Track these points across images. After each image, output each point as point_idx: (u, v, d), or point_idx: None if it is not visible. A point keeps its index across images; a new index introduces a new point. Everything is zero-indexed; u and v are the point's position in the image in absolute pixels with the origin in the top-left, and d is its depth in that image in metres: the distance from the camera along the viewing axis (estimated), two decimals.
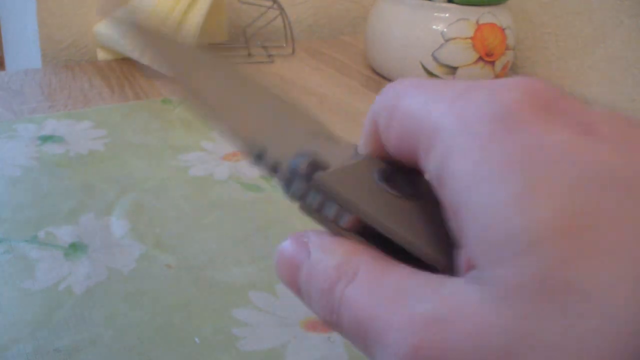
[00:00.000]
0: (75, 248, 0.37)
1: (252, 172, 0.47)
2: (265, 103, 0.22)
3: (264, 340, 0.31)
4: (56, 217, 0.39)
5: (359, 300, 0.16)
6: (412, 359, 0.14)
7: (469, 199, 0.14)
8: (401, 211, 0.17)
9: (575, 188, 0.12)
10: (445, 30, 0.64)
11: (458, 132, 0.15)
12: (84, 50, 0.69)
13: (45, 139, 0.49)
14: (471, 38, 0.63)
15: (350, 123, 0.58)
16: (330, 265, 0.17)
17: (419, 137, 0.16)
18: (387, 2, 0.68)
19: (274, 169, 0.19)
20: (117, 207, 0.41)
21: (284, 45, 0.77)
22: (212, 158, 0.49)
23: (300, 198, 0.18)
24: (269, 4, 0.73)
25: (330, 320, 0.16)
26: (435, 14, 0.64)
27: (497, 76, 0.67)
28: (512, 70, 0.74)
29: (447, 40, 0.64)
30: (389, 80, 0.69)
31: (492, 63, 0.65)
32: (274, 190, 0.44)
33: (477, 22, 0.64)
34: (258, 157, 0.19)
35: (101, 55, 0.68)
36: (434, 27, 0.64)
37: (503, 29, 0.65)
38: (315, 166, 0.18)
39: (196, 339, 0.31)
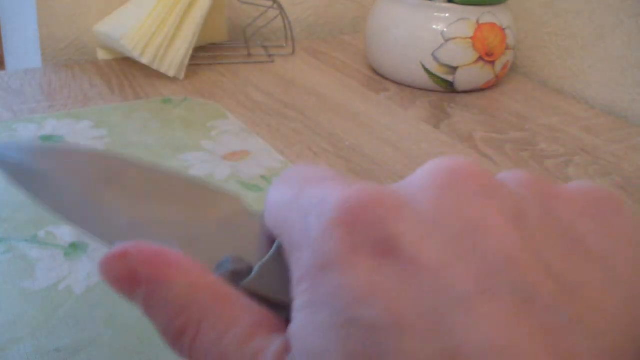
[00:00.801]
0: (75, 248, 0.37)
1: (252, 172, 0.47)
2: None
3: None
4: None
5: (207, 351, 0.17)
6: None
7: (295, 318, 0.16)
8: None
9: (363, 336, 0.14)
10: (445, 30, 0.64)
11: (300, 256, 0.17)
12: (84, 50, 0.69)
13: (46, 138, 0.49)
14: (471, 38, 0.63)
15: (350, 123, 0.58)
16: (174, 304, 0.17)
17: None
18: (387, 2, 0.68)
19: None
20: None
21: (284, 45, 0.77)
22: (212, 158, 0.49)
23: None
24: (269, 4, 0.73)
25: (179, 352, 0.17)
26: (435, 14, 0.64)
27: (497, 76, 0.67)
28: (512, 69, 0.75)
29: (447, 40, 0.64)
30: (389, 80, 0.69)
31: (492, 63, 0.65)
32: None
33: (477, 22, 0.64)
34: None
35: (101, 55, 0.68)
36: (434, 27, 0.64)
37: (503, 29, 0.65)
38: (237, 275, 0.18)
39: None
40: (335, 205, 0.16)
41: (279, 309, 0.18)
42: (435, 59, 0.64)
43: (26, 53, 0.75)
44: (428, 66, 0.65)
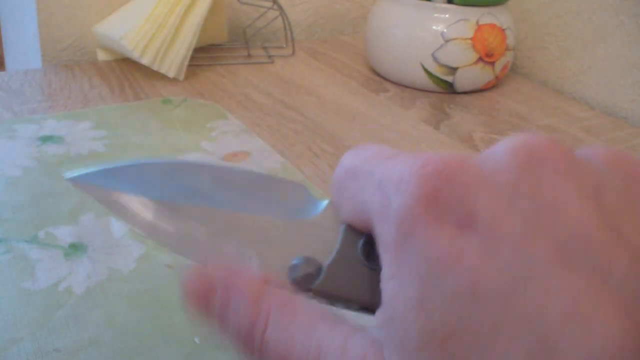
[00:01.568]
0: (75, 248, 0.37)
1: None
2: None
3: None
4: (56, 217, 0.39)
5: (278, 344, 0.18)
6: None
7: (384, 289, 0.17)
8: (369, 282, 0.19)
9: (449, 304, 0.15)
10: (445, 30, 0.64)
11: (381, 230, 0.17)
12: (84, 50, 0.69)
13: (45, 139, 0.49)
14: (471, 38, 0.64)
15: (350, 123, 0.58)
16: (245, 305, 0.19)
17: (366, 220, 0.19)
18: (387, 2, 0.68)
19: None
20: None
21: (284, 45, 0.77)
22: (212, 158, 0.49)
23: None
24: (269, 4, 0.73)
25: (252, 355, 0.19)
26: (435, 15, 0.64)
27: (497, 76, 0.67)
28: (512, 70, 0.75)
29: (447, 41, 0.64)
30: (389, 80, 0.69)
31: (492, 63, 0.65)
32: None
33: (477, 22, 0.64)
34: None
35: (101, 55, 0.68)
36: (434, 27, 0.64)
37: (503, 30, 0.65)
38: (308, 278, 0.19)
39: (196, 339, 0.31)
40: (418, 179, 0.16)
41: (352, 306, 0.19)
42: (435, 59, 0.64)
43: (26, 53, 0.75)
44: (428, 67, 0.65)
